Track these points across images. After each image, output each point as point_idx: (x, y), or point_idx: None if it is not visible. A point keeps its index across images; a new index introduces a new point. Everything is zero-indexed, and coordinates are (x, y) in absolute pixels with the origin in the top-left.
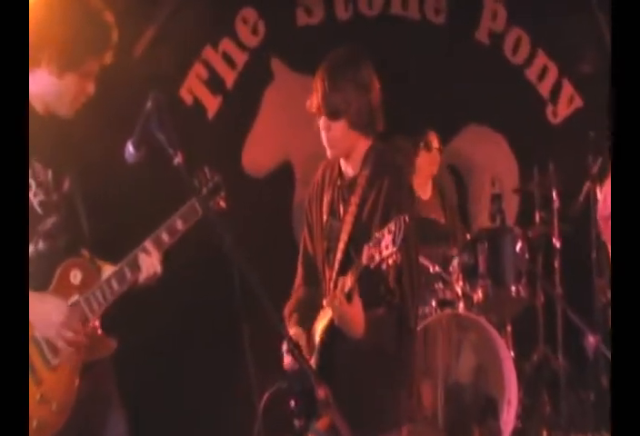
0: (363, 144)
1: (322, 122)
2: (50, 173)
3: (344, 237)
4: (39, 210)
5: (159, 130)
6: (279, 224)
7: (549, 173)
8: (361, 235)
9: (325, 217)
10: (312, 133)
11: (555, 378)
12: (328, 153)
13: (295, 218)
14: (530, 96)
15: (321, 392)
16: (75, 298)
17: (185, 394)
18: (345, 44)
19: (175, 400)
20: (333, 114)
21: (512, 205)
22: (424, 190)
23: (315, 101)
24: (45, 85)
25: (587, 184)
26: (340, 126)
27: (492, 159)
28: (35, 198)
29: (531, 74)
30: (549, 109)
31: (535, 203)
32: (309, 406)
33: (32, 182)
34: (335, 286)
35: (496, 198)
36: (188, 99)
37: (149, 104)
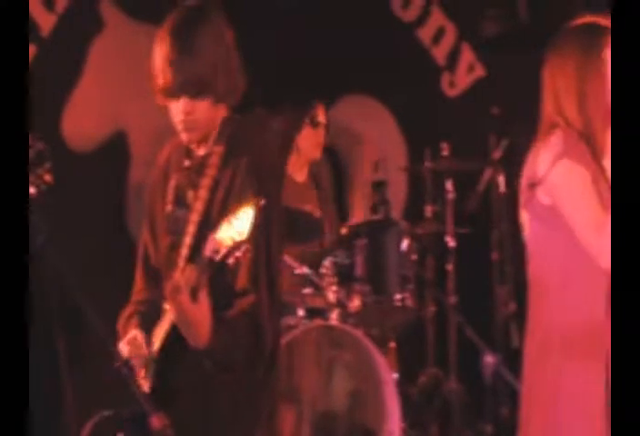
0: (218, 119)
1: (180, 105)
2: None
3: (190, 229)
4: None
5: None
6: (109, 213)
7: (443, 156)
8: (211, 226)
9: (169, 207)
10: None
11: (447, 406)
12: (184, 136)
13: (129, 206)
14: (422, 62)
15: (155, 421)
16: None
17: None
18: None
19: None
20: (197, 93)
21: (398, 195)
22: (300, 173)
23: (164, 79)
24: None
25: (488, 172)
26: (205, 105)
27: (375, 138)
28: None
29: (424, 34)
30: (445, 78)
31: (426, 193)
32: None
33: None
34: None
35: (379, 185)
36: None
37: None
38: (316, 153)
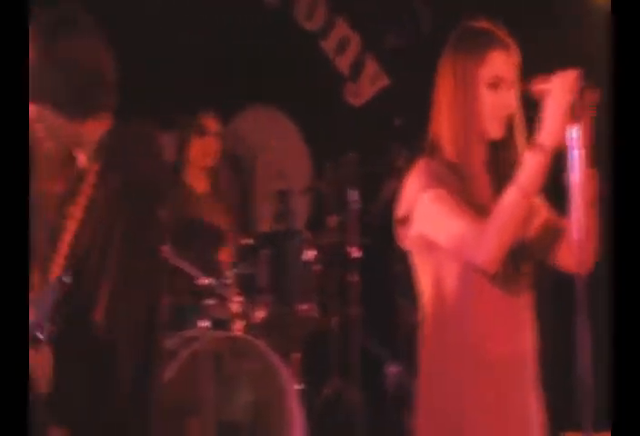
0: (97, 131)
1: (31, 110)
2: None
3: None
4: None
5: None
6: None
7: (347, 166)
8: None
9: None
10: None
11: (351, 416)
12: (48, 144)
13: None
14: (326, 72)
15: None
16: None
17: None
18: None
19: None
20: (34, 98)
21: (302, 205)
22: (198, 183)
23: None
24: None
25: (391, 182)
26: (45, 112)
27: (279, 147)
28: None
29: (328, 45)
30: (349, 88)
31: (330, 204)
32: None
33: None
34: None
35: (283, 195)
36: None
37: None
38: (207, 162)
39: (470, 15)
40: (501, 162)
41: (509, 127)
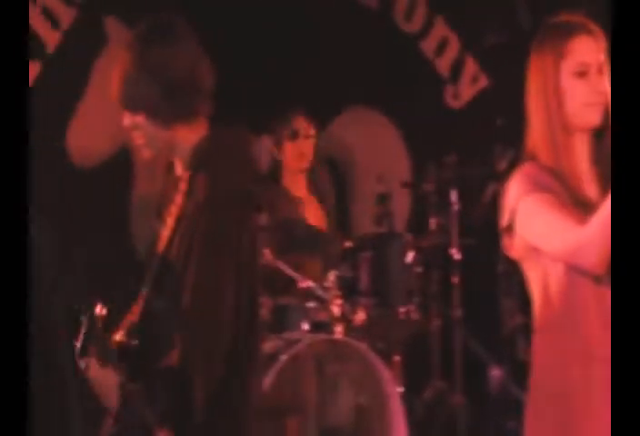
0: (192, 138)
1: (125, 120)
2: None
3: (161, 244)
4: None
5: None
6: (114, 227)
7: (447, 168)
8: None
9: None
10: None
11: (453, 420)
12: (144, 153)
13: (134, 220)
14: (426, 73)
15: None
16: None
17: None
18: (161, 13)
19: None
20: (131, 108)
21: (402, 207)
22: (295, 184)
23: (115, 92)
24: None
25: (493, 183)
26: (144, 121)
27: (377, 150)
28: None
29: (427, 46)
30: (449, 90)
31: (431, 206)
32: None
33: None
34: None
35: (383, 198)
36: None
37: None
38: (302, 165)
39: (570, 10)
40: (605, 149)
41: (607, 113)
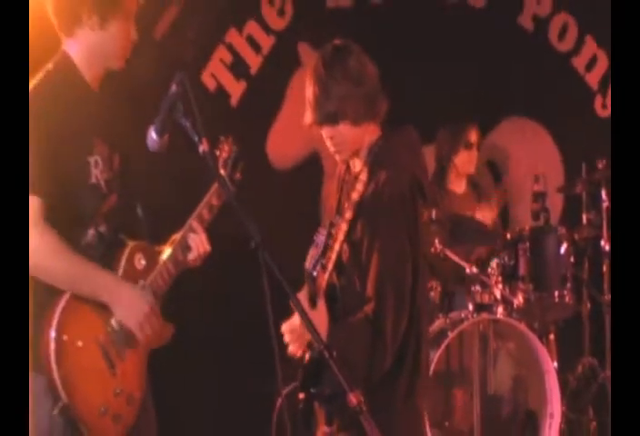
0: (368, 138)
1: (325, 132)
2: (107, 150)
3: (340, 236)
4: (104, 188)
5: (184, 116)
6: (305, 220)
7: (598, 170)
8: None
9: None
10: None
11: (602, 392)
12: (337, 158)
13: (323, 214)
14: (577, 87)
15: (353, 398)
16: (141, 283)
17: (205, 390)
18: (337, 39)
19: (197, 392)
20: (332, 121)
21: (556, 204)
22: (458, 184)
23: (309, 114)
24: (90, 44)
25: None
26: (344, 128)
27: (534, 154)
28: (101, 176)
29: (578, 62)
30: (598, 101)
31: (583, 203)
32: (338, 413)
33: (98, 159)
34: None
35: (540, 196)
36: (211, 84)
37: (173, 88)
38: (470, 169)
39: None
40: None
41: None
